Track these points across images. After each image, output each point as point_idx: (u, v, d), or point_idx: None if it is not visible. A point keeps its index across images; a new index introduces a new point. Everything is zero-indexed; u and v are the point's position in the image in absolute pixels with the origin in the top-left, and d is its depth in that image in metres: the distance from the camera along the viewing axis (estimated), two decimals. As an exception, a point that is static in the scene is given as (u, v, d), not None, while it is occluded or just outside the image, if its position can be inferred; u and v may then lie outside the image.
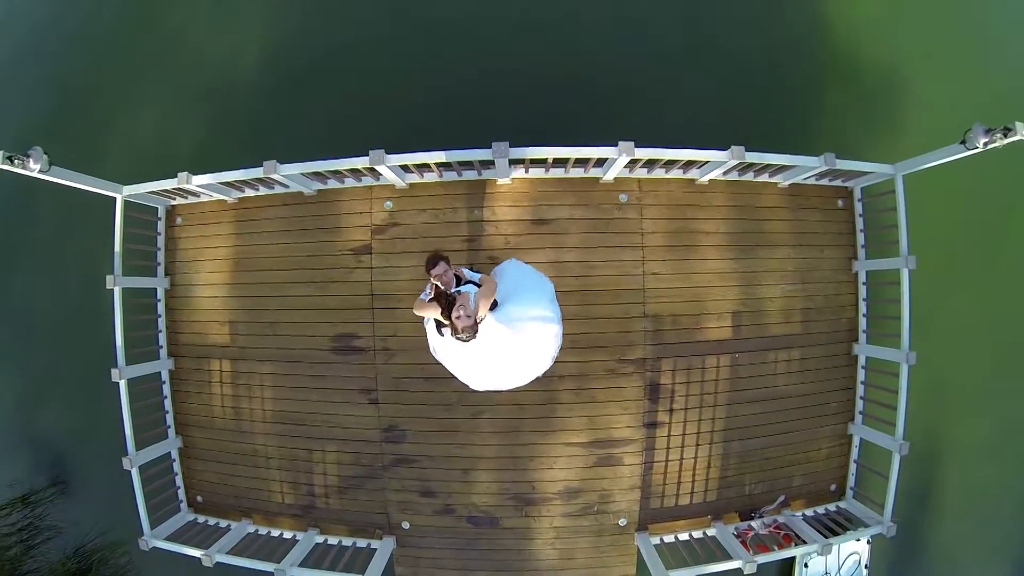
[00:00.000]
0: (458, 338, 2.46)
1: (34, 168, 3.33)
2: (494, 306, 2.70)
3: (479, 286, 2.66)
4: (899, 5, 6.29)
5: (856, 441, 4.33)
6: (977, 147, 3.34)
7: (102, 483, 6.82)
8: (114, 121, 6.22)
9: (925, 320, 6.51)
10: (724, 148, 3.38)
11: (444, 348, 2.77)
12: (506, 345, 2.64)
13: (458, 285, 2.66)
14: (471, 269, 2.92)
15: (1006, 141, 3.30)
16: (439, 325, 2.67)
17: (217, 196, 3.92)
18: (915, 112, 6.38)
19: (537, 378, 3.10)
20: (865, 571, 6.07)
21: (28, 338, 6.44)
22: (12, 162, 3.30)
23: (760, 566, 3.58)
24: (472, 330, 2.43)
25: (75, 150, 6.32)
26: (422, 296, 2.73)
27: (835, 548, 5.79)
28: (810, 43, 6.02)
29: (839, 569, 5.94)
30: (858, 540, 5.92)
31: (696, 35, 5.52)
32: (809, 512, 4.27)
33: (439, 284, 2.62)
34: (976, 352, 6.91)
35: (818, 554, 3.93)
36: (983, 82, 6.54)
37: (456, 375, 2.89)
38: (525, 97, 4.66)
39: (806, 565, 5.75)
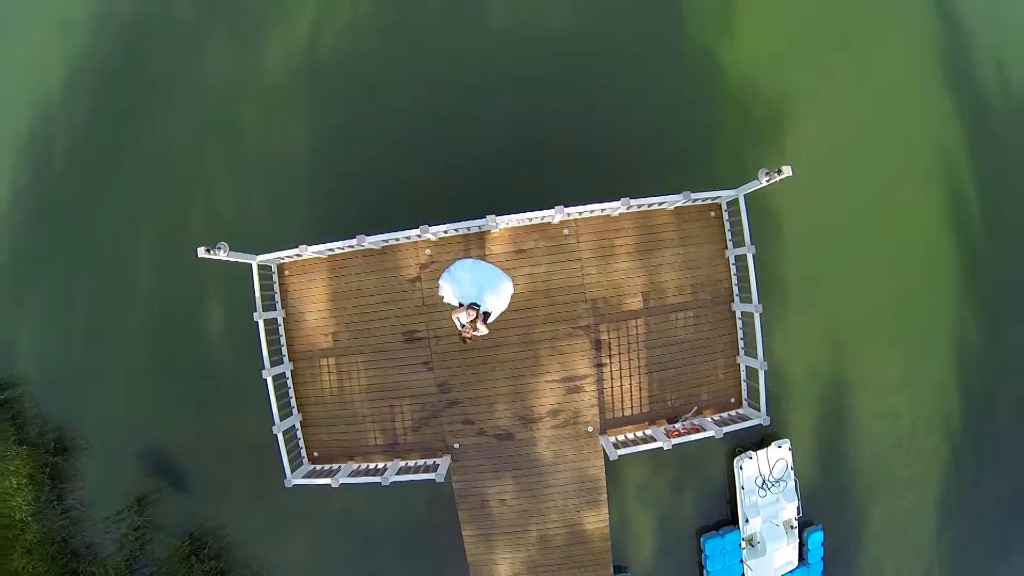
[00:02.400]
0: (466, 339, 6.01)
1: (221, 255, 6.83)
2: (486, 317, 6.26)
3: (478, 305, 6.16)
4: (765, 66, 9.92)
5: (742, 367, 7.91)
6: (763, 182, 6.90)
7: (205, 480, 10.43)
8: (196, 196, 9.83)
9: (821, 278, 10.19)
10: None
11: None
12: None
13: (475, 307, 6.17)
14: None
15: (778, 178, 6.86)
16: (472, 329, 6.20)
17: (315, 255, 7.42)
18: (798, 136, 10.06)
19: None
20: (792, 472, 9.69)
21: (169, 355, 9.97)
22: (208, 252, 6.80)
23: (711, 486, 7.16)
24: (473, 337, 6.00)
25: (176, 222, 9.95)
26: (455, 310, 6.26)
27: (763, 454, 9.45)
28: (710, 92, 9.65)
29: (771, 471, 9.57)
30: (779, 447, 9.57)
31: (606, 106, 9.22)
32: (716, 417, 7.85)
33: (463, 320, 6.07)
34: (878, 300, 10.59)
35: (717, 438, 7.48)
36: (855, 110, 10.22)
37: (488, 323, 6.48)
38: (502, 164, 8.34)
39: (741, 467, 9.38)
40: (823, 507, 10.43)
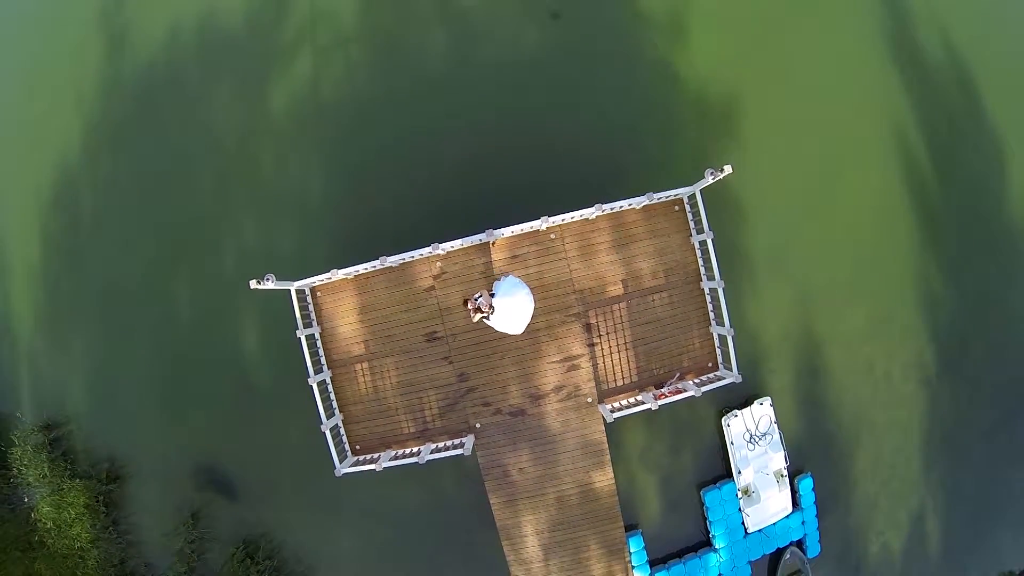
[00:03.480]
0: (483, 318, 8.03)
1: (268, 284, 8.92)
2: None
3: (493, 294, 8.29)
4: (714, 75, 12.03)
5: (715, 335, 10.01)
6: (710, 180, 9.00)
7: (252, 487, 12.52)
8: (224, 236, 11.92)
9: (786, 248, 12.26)
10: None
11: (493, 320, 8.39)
12: (507, 316, 8.29)
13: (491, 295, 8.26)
14: (494, 286, 8.57)
15: (722, 175, 8.95)
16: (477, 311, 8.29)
17: (343, 276, 9.50)
18: (753, 123, 12.17)
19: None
20: (775, 425, 11.82)
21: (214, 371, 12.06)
22: (258, 283, 8.89)
23: (705, 445, 9.39)
24: (486, 316, 8.03)
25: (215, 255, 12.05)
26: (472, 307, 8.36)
27: (748, 411, 11.58)
28: (669, 97, 11.76)
29: (756, 426, 11.70)
30: (761, 404, 11.69)
31: (583, 120, 11.38)
32: (696, 380, 9.95)
33: (474, 303, 8.18)
34: (840, 261, 12.69)
35: (697, 396, 9.59)
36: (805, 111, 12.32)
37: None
38: (494, 181, 10.50)
39: (728, 425, 11.50)
40: (810, 456, 12.57)
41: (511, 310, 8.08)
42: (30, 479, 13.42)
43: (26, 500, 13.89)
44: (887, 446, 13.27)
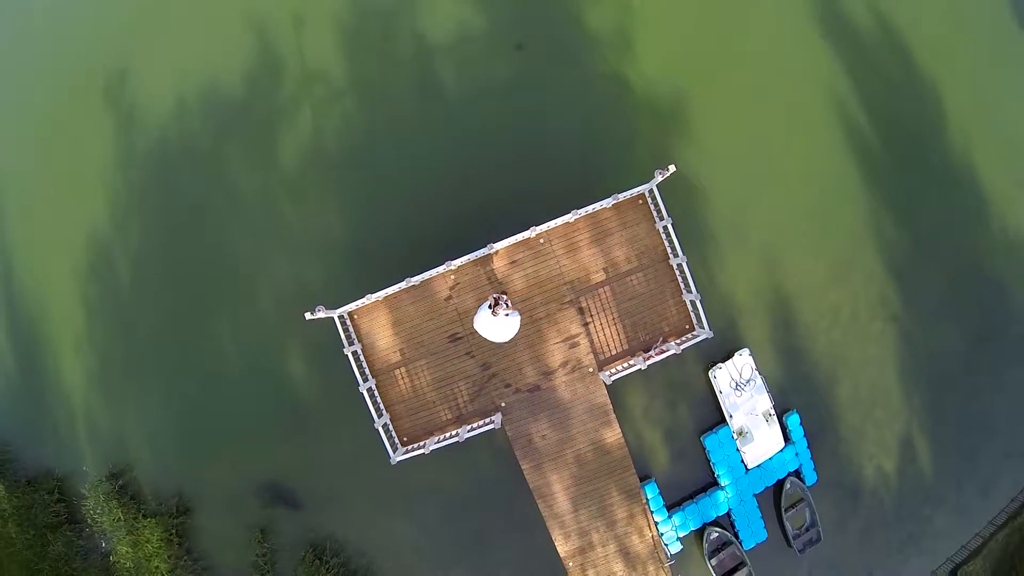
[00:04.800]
0: (505, 315, 11.44)
1: (320, 314, 12.26)
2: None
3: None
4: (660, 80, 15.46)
5: (687, 302, 13.41)
6: (658, 179, 12.40)
7: (311, 495, 15.85)
8: (258, 281, 15.25)
9: (745, 217, 15.70)
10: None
11: (481, 328, 11.81)
12: (499, 329, 11.72)
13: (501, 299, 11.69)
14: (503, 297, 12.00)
15: (668, 174, 12.34)
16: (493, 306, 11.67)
17: (374, 299, 12.84)
18: (703, 114, 15.57)
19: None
20: (756, 372, 15.24)
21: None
22: (312, 313, 12.24)
23: (697, 397, 13.12)
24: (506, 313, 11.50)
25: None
26: (481, 311, 11.74)
27: (730, 363, 15.01)
28: (625, 106, 15.17)
29: (739, 375, 15.11)
30: (740, 355, 15.11)
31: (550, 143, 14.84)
32: (677, 341, 13.34)
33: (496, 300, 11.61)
34: (797, 220, 16.08)
35: (677, 353, 12.97)
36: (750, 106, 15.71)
37: (487, 338, 11.99)
38: (487, 201, 13.93)
39: (715, 377, 14.92)
40: (793, 395, 15.96)
41: (492, 327, 11.55)
42: (105, 525, 16.69)
43: (103, 545, 17.21)
44: (864, 379, 16.66)
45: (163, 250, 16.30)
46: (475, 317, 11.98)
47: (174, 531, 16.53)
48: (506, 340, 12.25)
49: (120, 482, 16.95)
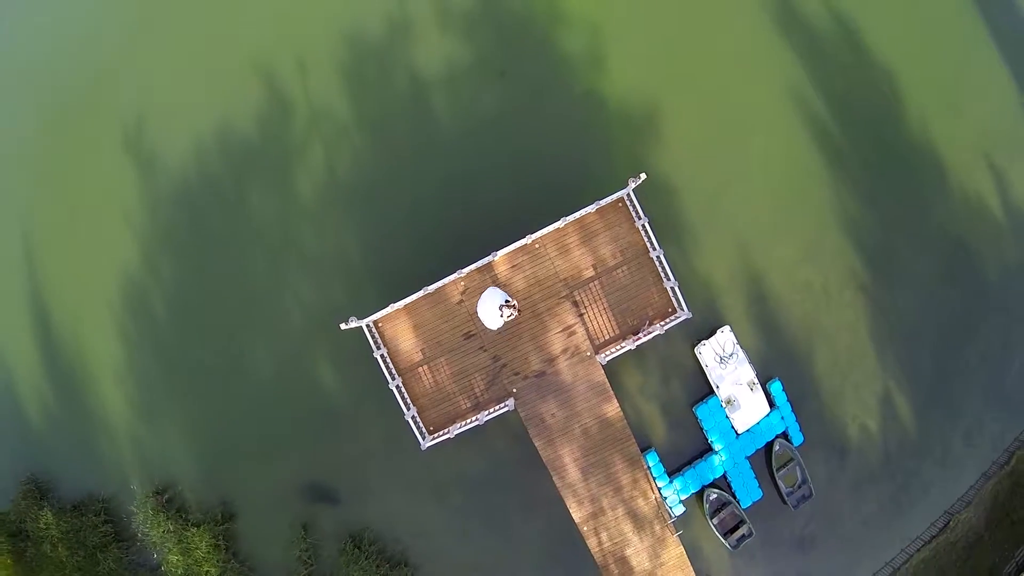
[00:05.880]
0: (509, 316, 15.04)
1: (352, 324, 15.68)
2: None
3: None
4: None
5: (668, 288, 16.89)
6: (632, 185, 15.88)
7: (347, 490, 19.27)
8: (286, 300, 18.67)
9: (716, 206, 19.32)
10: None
11: (481, 313, 15.58)
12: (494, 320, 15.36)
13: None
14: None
15: (639, 181, 15.82)
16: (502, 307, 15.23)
17: (395, 308, 16.26)
18: (673, 119, 19.12)
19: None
20: (738, 346, 18.74)
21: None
22: (346, 323, 15.66)
23: (687, 372, 16.93)
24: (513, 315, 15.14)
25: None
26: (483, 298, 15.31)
27: (713, 339, 18.55)
28: (602, 120, 18.67)
29: (722, 349, 18.61)
30: (722, 332, 18.62)
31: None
32: (662, 323, 16.81)
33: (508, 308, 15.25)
34: (764, 206, 19.59)
35: (662, 333, 16.42)
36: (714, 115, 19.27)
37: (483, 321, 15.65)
38: (486, 214, 17.44)
39: (700, 352, 18.41)
40: (774, 364, 19.39)
41: (490, 315, 15.11)
42: (155, 538, 19.98)
43: (154, 557, 20.51)
44: (840, 345, 20.12)
45: (193, 281, 19.64)
46: (478, 302, 15.49)
47: (221, 536, 19.82)
48: (495, 328, 15.84)
49: (166, 496, 20.24)
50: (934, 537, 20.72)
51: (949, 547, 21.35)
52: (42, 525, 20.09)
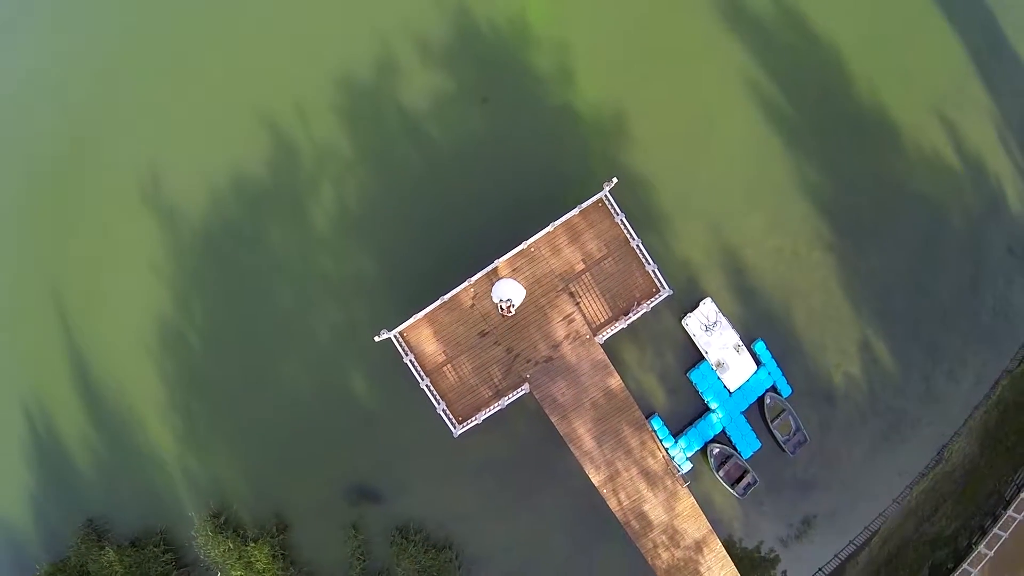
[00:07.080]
0: (509, 313, 19.57)
1: (384, 335, 20.18)
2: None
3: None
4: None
5: (650, 271, 21.51)
6: (607, 188, 20.49)
7: (390, 487, 23.84)
8: (314, 322, 23.17)
9: (687, 192, 24.09)
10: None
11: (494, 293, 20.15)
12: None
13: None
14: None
15: (611, 185, 20.42)
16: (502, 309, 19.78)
17: (417, 317, 20.78)
18: (641, 120, 23.80)
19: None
20: (720, 313, 23.39)
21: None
22: (379, 336, 20.18)
23: (677, 342, 21.49)
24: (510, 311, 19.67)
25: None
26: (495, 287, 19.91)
27: (697, 311, 23.28)
28: (576, 131, 23.28)
29: (707, 318, 23.28)
30: (705, 303, 23.30)
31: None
32: (647, 301, 21.43)
33: (505, 306, 19.82)
34: (730, 187, 24.27)
35: (647, 311, 21.05)
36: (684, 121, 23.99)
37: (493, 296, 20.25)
38: (484, 227, 22.07)
39: (687, 324, 23.06)
40: (756, 326, 23.95)
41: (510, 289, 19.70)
42: (216, 557, 24.28)
43: (218, 575, 24.89)
44: (815, 302, 24.66)
45: (224, 317, 24.02)
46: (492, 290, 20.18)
47: (278, 547, 24.22)
48: (521, 293, 20.51)
49: (223, 518, 24.58)
50: (931, 468, 24.87)
51: (946, 476, 25.44)
52: (104, 563, 23.94)
